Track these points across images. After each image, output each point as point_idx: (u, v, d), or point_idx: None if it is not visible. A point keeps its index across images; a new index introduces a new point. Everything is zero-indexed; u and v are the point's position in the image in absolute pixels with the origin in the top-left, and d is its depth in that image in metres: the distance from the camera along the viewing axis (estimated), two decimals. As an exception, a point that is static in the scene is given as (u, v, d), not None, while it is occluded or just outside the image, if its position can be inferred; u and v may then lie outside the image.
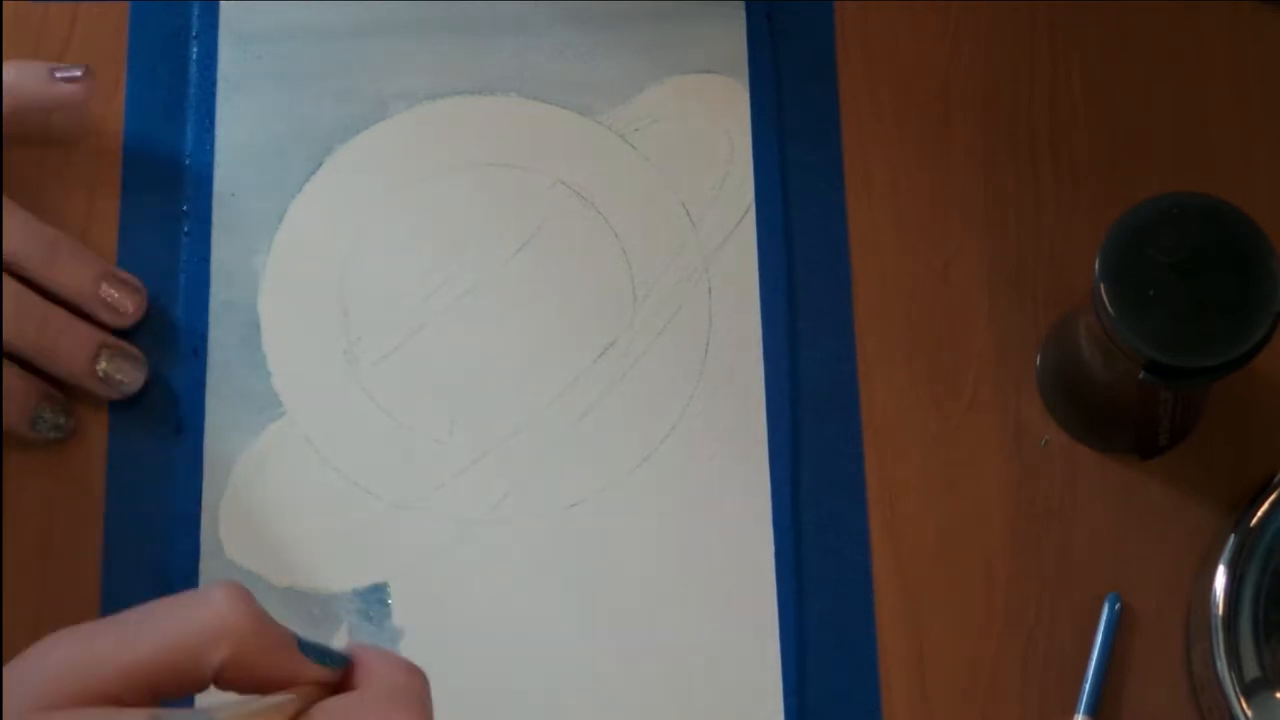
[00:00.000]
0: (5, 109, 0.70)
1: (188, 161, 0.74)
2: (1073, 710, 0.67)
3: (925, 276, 0.72)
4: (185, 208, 0.73)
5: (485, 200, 0.73)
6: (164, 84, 0.75)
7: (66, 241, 0.70)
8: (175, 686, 0.46)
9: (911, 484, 0.70)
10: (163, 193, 0.73)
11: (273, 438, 0.71)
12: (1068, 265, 0.72)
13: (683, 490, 0.70)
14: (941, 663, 0.68)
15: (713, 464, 0.70)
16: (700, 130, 0.74)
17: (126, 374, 0.70)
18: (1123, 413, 0.66)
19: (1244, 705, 0.64)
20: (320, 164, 0.74)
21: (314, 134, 0.74)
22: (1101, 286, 0.61)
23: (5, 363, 0.68)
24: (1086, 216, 0.72)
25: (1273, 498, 0.66)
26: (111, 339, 0.70)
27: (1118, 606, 0.68)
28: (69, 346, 0.69)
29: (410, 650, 0.68)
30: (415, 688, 0.49)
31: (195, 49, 0.75)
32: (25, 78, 0.71)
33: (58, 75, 0.71)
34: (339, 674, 0.49)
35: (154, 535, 0.69)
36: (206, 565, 0.69)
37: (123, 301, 0.70)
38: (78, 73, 0.71)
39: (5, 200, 0.70)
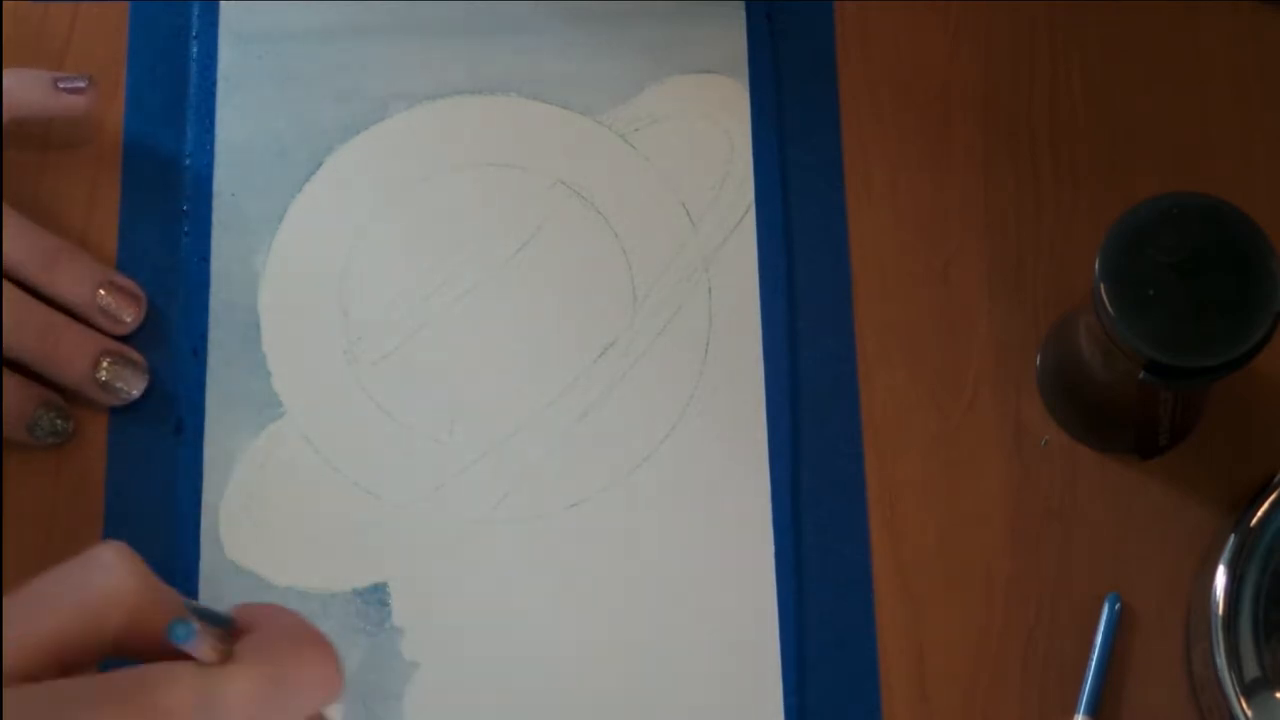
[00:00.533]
0: (5, 117, 0.70)
1: (188, 161, 0.74)
2: (1073, 710, 0.67)
3: (925, 276, 0.72)
4: (185, 208, 0.73)
5: (485, 200, 0.73)
6: (164, 84, 0.75)
7: (66, 248, 0.70)
8: (80, 655, 0.47)
9: (911, 484, 0.70)
10: (163, 193, 0.73)
11: (273, 438, 0.71)
12: (1068, 265, 0.72)
13: (683, 490, 0.70)
14: (941, 663, 0.68)
15: (713, 464, 0.70)
16: (700, 130, 0.74)
17: (127, 381, 0.70)
18: (1123, 413, 0.66)
19: (1244, 705, 0.64)
20: (320, 164, 0.74)
21: (314, 134, 0.74)
22: (1101, 286, 0.61)
23: (3, 370, 0.68)
24: (1086, 216, 0.73)
25: (1273, 498, 0.66)
26: (113, 344, 0.70)
27: (1118, 606, 0.68)
28: (69, 354, 0.69)
29: (410, 650, 0.68)
30: (306, 624, 0.49)
31: (195, 49, 0.75)
32: (27, 87, 0.71)
33: (60, 85, 0.71)
34: (227, 634, 0.49)
35: (154, 535, 0.69)
36: (206, 565, 0.69)
37: (121, 310, 0.70)
38: (81, 84, 0.71)
39: (5, 208, 0.70)
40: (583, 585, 0.69)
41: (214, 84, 0.74)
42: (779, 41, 0.75)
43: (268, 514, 0.70)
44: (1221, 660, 0.65)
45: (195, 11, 0.75)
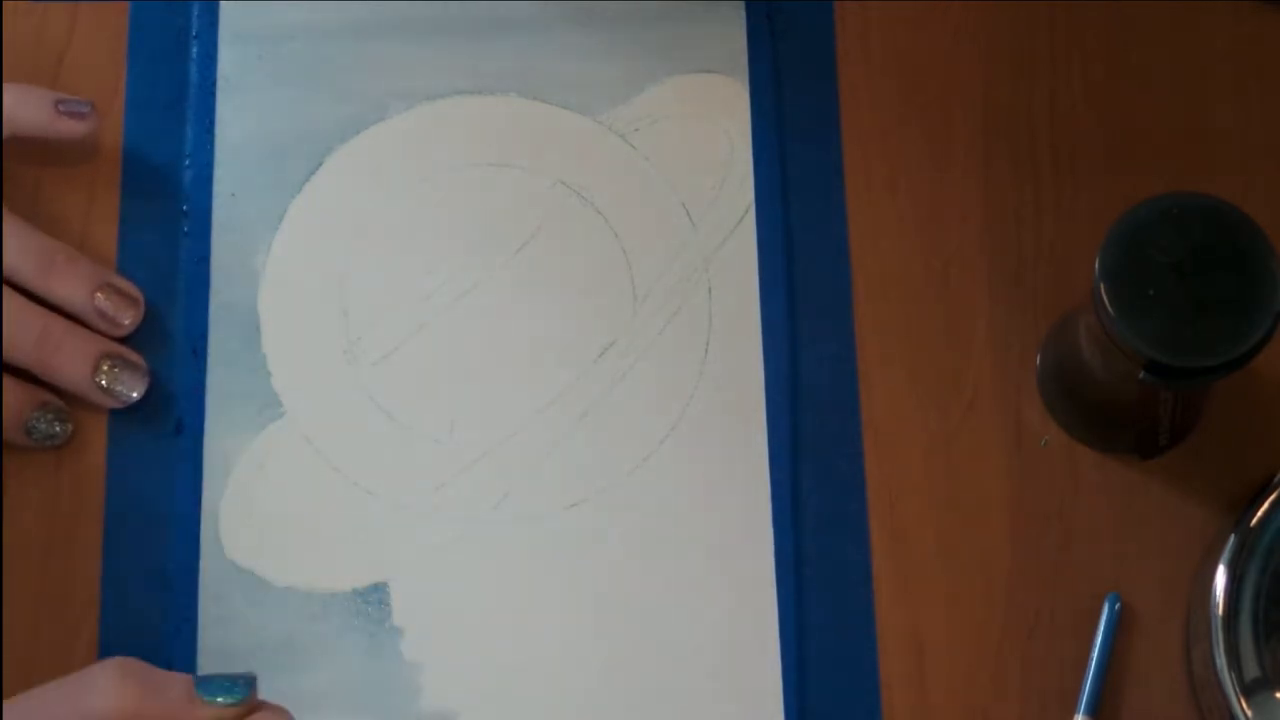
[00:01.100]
0: (5, 134, 0.70)
1: (188, 161, 0.74)
2: (1073, 710, 0.67)
3: (925, 276, 0.72)
4: (185, 208, 0.73)
5: (485, 200, 0.73)
6: (164, 84, 0.75)
7: (63, 251, 0.70)
8: None
9: (911, 484, 0.70)
10: (163, 193, 0.73)
11: (273, 438, 0.71)
12: (1068, 265, 0.72)
13: (683, 490, 0.70)
14: (941, 663, 0.68)
15: (713, 464, 0.70)
16: (700, 130, 0.74)
17: (128, 384, 0.70)
18: (1123, 413, 0.66)
19: (1244, 705, 0.64)
20: (320, 164, 0.74)
21: (314, 134, 0.74)
22: (1101, 286, 0.61)
23: (1, 373, 0.68)
24: (1086, 216, 0.72)
25: (1273, 498, 0.66)
26: (113, 347, 0.70)
27: (1118, 606, 0.68)
28: (69, 359, 0.69)
29: (410, 650, 0.68)
30: None
31: (195, 49, 0.75)
32: (29, 107, 0.70)
33: (62, 109, 0.71)
34: (245, 703, 0.49)
35: (154, 535, 0.69)
36: (206, 565, 0.69)
37: (119, 313, 0.70)
38: (83, 109, 0.71)
39: (4, 212, 0.70)
40: (582, 585, 0.69)
41: (214, 84, 0.74)
42: (779, 41, 0.75)
43: (268, 514, 0.70)
44: (1221, 660, 0.65)
45: (195, 11, 0.75)
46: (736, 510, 0.70)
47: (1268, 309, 0.60)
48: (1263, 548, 0.66)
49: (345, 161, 0.74)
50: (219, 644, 0.68)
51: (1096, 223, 0.69)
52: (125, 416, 0.71)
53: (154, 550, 0.69)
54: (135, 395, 0.70)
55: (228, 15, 0.75)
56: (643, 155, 0.74)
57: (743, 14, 0.75)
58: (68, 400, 0.70)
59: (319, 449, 0.71)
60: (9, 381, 0.69)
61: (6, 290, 0.69)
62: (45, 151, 0.73)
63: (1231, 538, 0.66)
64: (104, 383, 0.69)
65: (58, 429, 0.69)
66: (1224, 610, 0.65)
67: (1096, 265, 0.61)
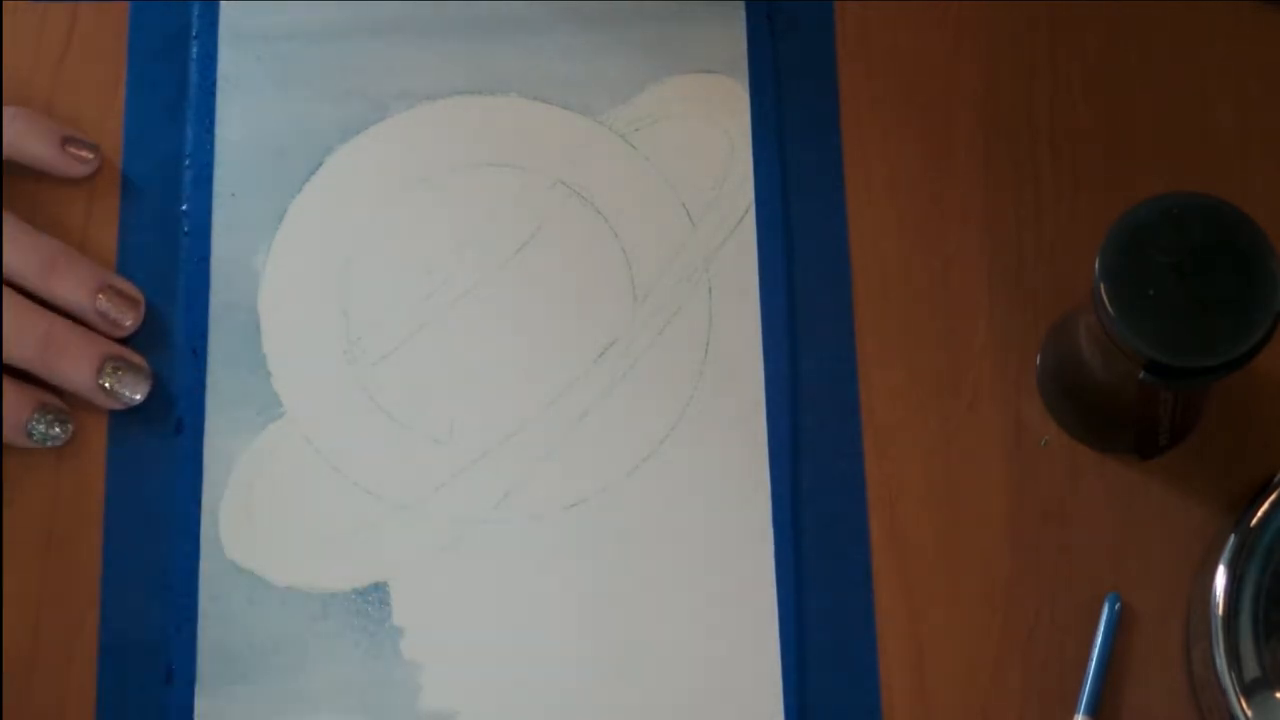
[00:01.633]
0: (5, 156, 0.71)
1: (188, 161, 0.74)
2: (1073, 710, 0.67)
3: (925, 276, 0.72)
4: (185, 208, 0.73)
5: (485, 200, 0.73)
6: (164, 84, 0.75)
7: (64, 252, 0.70)
8: None
9: (911, 484, 0.70)
10: (163, 193, 0.73)
11: (273, 438, 0.71)
12: (1068, 265, 0.72)
13: (683, 490, 0.70)
14: (941, 663, 0.68)
15: (713, 464, 0.70)
16: (700, 130, 0.74)
17: (130, 386, 0.70)
18: (1123, 413, 0.66)
19: (1244, 705, 0.64)
20: (320, 164, 0.74)
21: (314, 134, 0.74)
22: (1101, 286, 0.61)
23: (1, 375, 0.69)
24: (1086, 216, 0.72)
25: (1273, 498, 0.66)
26: (115, 349, 0.70)
27: (1118, 606, 0.68)
28: (73, 360, 0.69)
29: (410, 650, 0.68)
30: None
31: (195, 49, 0.75)
32: (36, 140, 0.71)
33: (69, 148, 0.71)
34: None
35: (154, 535, 0.69)
36: (206, 565, 0.69)
37: (120, 315, 0.70)
38: (88, 153, 0.72)
39: (5, 213, 0.70)
40: (582, 585, 0.69)
41: (214, 84, 0.74)
42: (779, 41, 0.75)
43: (268, 514, 0.70)
44: (1221, 660, 0.65)
45: (195, 11, 0.75)
46: (736, 510, 0.70)
47: (1268, 309, 0.60)
48: (1263, 548, 0.66)
49: (345, 161, 0.74)
50: (219, 644, 0.68)
51: (1096, 223, 0.69)
52: (125, 417, 0.71)
53: (154, 550, 0.69)
54: (138, 397, 0.70)
55: (228, 15, 0.75)
56: (643, 155, 0.74)
57: (743, 14, 0.75)
58: (68, 401, 0.70)
59: (319, 449, 0.71)
60: (9, 384, 0.69)
61: (9, 292, 0.69)
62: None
63: (1231, 538, 0.66)
64: (107, 384, 0.69)
65: (57, 430, 0.69)
66: (1224, 610, 0.65)
67: (1096, 265, 0.61)
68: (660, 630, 0.69)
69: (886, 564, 0.69)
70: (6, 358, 0.69)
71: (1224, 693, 0.64)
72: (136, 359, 0.70)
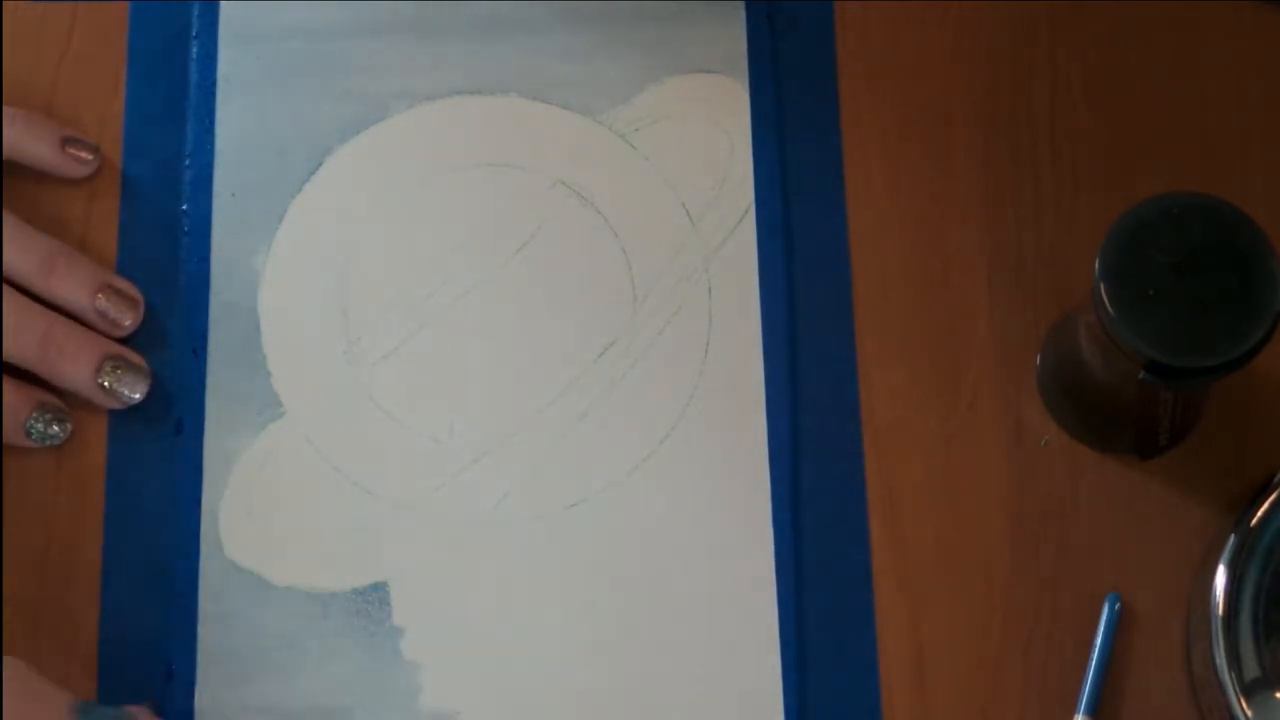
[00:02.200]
0: (5, 158, 0.71)
1: (188, 161, 0.74)
2: (1073, 710, 0.67)
3: (925, 276, 0.72)
4: (185, 208, 0.73)
5: (485, 200, 0.73)
6: (164, 84, 0.75)
7: (63, 252, 0.70)
8: None
9: (911, 484, 0.70)
10: (163, 193, 0.73)
11: (273, 438, 0.71)
12: (1068, 265, 0.72)
13: (683, 490, 0.70)
14: (941, 663, 0.68)
15: (713, 464, 0.70)
16: (700, 130, 0.74)
17: (129, 385, 0.70)
18: (1123, 413, 0.66)
19: (1244, 705, 0.64)
20: (320, 164, 0.74)
21: (314, 134, 0.74)
22: (1101, 286, 0.61)
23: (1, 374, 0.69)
24: (1086, 216, 0.72)
25: (1273, 498, 0.66)
26: (115, 348, 0.70)
27: (1118, 606, 0.68)
28: (73, 360, 0.69)
29: (410, 650, 0.68)
30: None
31: (195, 49, 0.75)
32: (37, 141, 0.71)
33: (69, 148, 0.71)
34: None
35: (154, 535, 0.69)
36: (206, 565, 0.69)
37: (120, 315, 0.70)
38: (88, 155, 0.72)
39: (5, 213, 0.70)
40: (582, 585, 0.69)
41: (214, 84, 0.74)
42: (779, 41, 0.75)
43: (268, 514, 0.70)
44: (1221, 660, 0.65)
45: (195, 11, 0.75)
46: (736, 510, 0.70)
47: (1268, 309, 0.60)
48: (1263, 548, 0.66)
49: (345, 161, 0.74)
50: (219, 644, 0.68)
51: (1096, 223, 0.69)
52: (125, 416, 0.71)
53: (154, 550, 0.69)
54: (137, 396, 0.70)
55: (228, 15, 0.75)
56: (643, 155, 0.74)
57: (743, 14, 0.75)
58: (67, 400, 0.70)
59: (319, 449, 0.71)
60: (8, 383, 0.69)
61: (9, 291, 0.69)
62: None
63: (1231, 538, 0.66)
64: (106, 384, 0.69)
65: (56, 429, 0.69)
66: (1224, 610, 0.65)
67: (1096, 265, 0.61)
68: (660, 630, 0.69)
69: (886, 564, 0.69)
70: (6, 357, 0.69)
71: (1224, 693, 0.64)
72: (136, 358, 0.70)
